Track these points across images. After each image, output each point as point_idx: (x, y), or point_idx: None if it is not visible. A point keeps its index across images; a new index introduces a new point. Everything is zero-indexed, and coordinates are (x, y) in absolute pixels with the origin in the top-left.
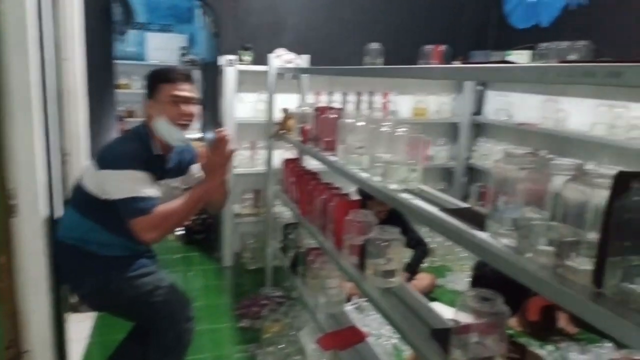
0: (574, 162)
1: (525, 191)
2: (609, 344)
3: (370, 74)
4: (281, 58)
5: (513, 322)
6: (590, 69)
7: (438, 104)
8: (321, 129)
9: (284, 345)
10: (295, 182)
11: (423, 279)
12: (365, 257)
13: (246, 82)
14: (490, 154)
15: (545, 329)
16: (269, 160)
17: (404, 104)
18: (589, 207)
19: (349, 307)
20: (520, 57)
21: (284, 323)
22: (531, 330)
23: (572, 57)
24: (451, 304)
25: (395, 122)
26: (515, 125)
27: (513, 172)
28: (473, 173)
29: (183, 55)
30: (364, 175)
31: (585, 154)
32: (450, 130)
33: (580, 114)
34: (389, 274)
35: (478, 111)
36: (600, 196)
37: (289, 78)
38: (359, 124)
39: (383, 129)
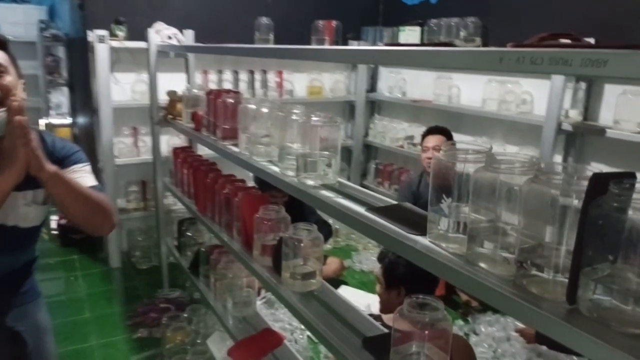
0: (533, 157)
1: (472, 189)
2: None
3: (264, 54)
4: (161, 34)
5: None
6: (569, 56)
7: (333, 81)
8: (217, 115)
9: (189, 357)
10: (190, 173)
11: (331, 264)
12: (280, 258)
13: (122, 60)
14: (385, 131)
15: (451, 302)
16: (155, 149)
17: (299, 82)
18: (553, 209)
19: (259, 303)
20: (411, 33)
21: (188, 330)
22: None
23: (462, 33)
24: (361, 286)
25: (303, 111)
26: (410, 102)
27: (458, 167)
28: (370, 151)
29: (43, 29)
30: (274, 169)
31: (478, 129)
32: (346, 109)
33: (473, 89)
34: (309, 275)
35: (372, 88)
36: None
37: (173, 56)
38: (264, 109)
39: (294, 116)
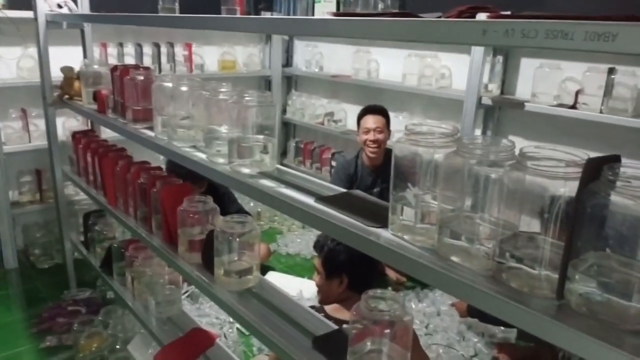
0: (506, 143)
1: (443, 177)
2: None
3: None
4: (49, 1)
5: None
6: (570, 28)
7: (246, 55)
8: (126, 95)
9: None
10: (95, 161)
11: None
12: (211, 254)
13: (3, 32)
14: (304, 108)
15: (382, 282)
16: (50, 134)
17: (210, 56)
18: (533, 197)
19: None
20: (327, 5)
21: (105, 335)
22: None
23: (380, 5)
24: (289, 270)
25: (233, 89)
26: (328, 77)
27: (426, 152)
28: (289, 128)
29: None
30: (200, 155)
31: (398, 104)
32: (262, 84)
33: (392, 64)
34: (245, 272)
35: (287, 62)
36: (549, 185)
37: (65, 27)
38: (183, 88)
39: (222, 96)
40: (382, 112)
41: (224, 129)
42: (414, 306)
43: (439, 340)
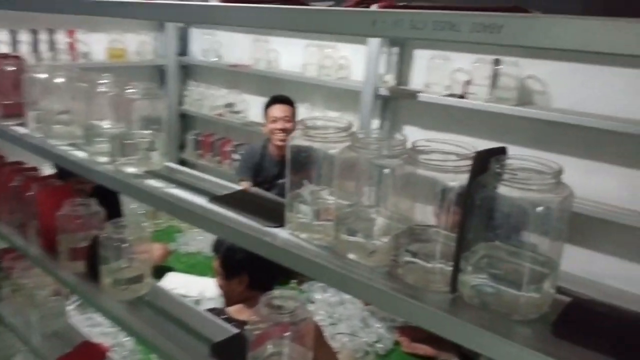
0: (398, 138)
1: (338, 172)
2: None
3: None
4: None
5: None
6: (457, 20)
7: (137, 43)
8: None
9: None
10: None
11: (154, 250)
12: (96, 262)
13: None
14: (202, 99)
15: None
16: None
17: (96, 43)
18: (426, 190)
19: (69, 309)
20: None
21: None
22: None
23: None
24: (190, 269)
25: (113, 81)
26: (227, 67)
27: (321, 147)
28: (187, 121)
29: None
30: (79, 154)
31: (300, 95)
32: (155, 74)
33: (291, 54)
34: (136, 279)
35: (183, 51)
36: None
37: None
38: (58, 80)
39: (102, 88)
40: (289, 102)
41: (105, 125)
42: (319, 297)
43: (343, 329)
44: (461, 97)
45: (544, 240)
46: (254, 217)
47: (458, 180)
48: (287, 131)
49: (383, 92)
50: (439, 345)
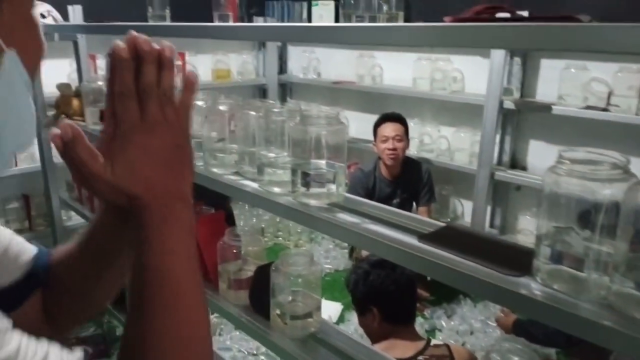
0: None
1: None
2: (465, 300)
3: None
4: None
5: None
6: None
7: (240, 63)
8: None
9: None
10: None
11: None
12: (261, 294)
13: None
14: None
15: None
16: (44, 157)
17: (202, 65)
18: None
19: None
20: (325, 8)
21: None
22: None
23: (385, 7)
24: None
25: (288, 107)
26: (328, 84)
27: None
28: None
29: None
30: (252, 185)
31: (406, 110)
32: (256, 94)
33: (396, 68)
34: (306, 314)
35: (281, 69)
36: None
37: (57, 39)
38: (221, 107)
39: (276, 117)
40: (400, 119)
41: (273, 154)
42: (444, 324)
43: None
44: (604, 109)
45: None
46: (483, 262)
47: None
48: (398, 151)
49: (508, 105)
50: None
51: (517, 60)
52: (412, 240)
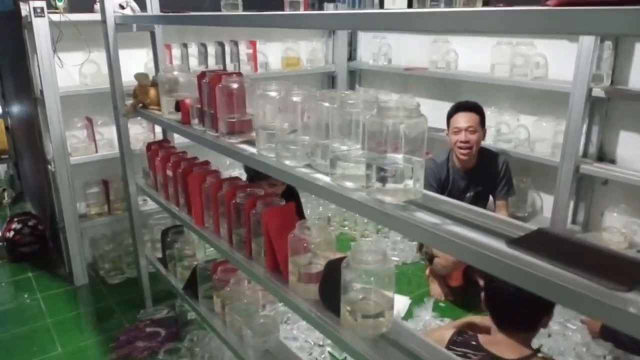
0: None
1: None
2: None
3: (250, 23)
4: (111, 2)
5: (437, 292)
6: None
7: (309, 50)
8: (218, 105)
9: None
10: (177, 176)
11: None
12: (332, 290)
13: (65, 37)
14: None
15: (469, 293)
16: (123, 145)
17: (272, 53)
18: None
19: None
20: None
21: None
22: (454, 297)
23: None
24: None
25: (361, 97)
26: (399, 70)
27: None
28: None
29: None
30: (324, 179)
31: (481, 98)
32: (325, 81)
33: (471, 54)
34: (378, 313)
35: (351, 56)
36: None
37: (135, 30)
38: (294, 99)
39: (351, 108)
40: (475, 109)
41: (346, 147)
42: None
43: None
44: None
45: None
46: (589, 275)
47: None
48: (471, 143)
49: (597, 93)
50: None
51: (609, 44)
52: (500, 245)
